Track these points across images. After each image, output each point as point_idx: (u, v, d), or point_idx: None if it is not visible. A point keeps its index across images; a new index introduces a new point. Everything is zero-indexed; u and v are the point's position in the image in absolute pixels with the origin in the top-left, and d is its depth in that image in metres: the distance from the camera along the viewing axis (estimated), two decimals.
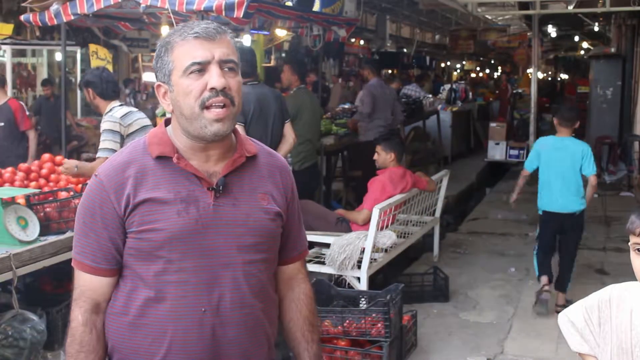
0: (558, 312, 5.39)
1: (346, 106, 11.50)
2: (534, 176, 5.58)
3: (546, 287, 5.28)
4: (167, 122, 1.88)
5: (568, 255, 5.38)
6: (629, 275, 2.10)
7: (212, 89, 1.73)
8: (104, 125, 4.51)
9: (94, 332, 1.79)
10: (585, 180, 5.35)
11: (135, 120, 4.60)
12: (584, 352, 2.11)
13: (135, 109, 4.84)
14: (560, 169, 5.27)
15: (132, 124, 4.56)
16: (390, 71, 19.42)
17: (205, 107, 1.74)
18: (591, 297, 2.11)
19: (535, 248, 5.55)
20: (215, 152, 1.82)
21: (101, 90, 4.64)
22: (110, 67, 7.20)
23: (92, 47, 7.45)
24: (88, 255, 1.80)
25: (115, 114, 4.55)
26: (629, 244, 1.97)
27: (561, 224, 5.33)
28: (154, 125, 7.06)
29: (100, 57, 7.23)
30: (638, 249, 1.91)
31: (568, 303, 5.10)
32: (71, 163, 4.62)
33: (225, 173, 1.81)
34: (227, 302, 1.77)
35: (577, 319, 2.11)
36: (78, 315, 1.79)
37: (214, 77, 1.73)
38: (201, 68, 1.74)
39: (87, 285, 1.80)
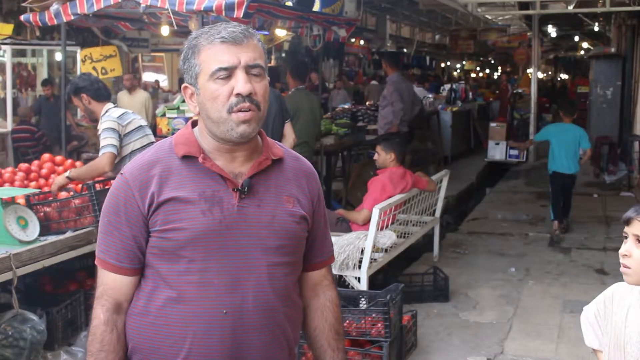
0: (556, 235, 7.63)
1: (346, 106, 11.51)
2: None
3: (557, 232, 7.66)
4: (194, 124, 1.88)
5: (568, 199, 7.96)
6: None
7: (237, 94, 1.73)
8: (103, 125, 4.50)
9: (115, 332, 1.79)
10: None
11: (131, 120, 4.62)
12: (595, 348, 2.16)
13: (129, 110, 4.83)
14: (565, 144, 7.59)
15: (129, 124, 4.57)
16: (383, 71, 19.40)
17: (232, 112, 1.74)
18: (602, 293, 2.17)
19: (550, 199, 8.00)
20: (242, 154, 1.81)
21: (94, 92, 4.61)
22: (115, 63, 7.17)
23: (85, 51, 7.37)
24: (112, 254, 1.79)
25: (113, 114, 4.55)
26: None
27: (564, 180, 7.71)
28: (153, 125, 7.05)
29: (96, 59, 7.16)
30: (624, 237, 2.07)
31: (567, 228, 7.94)
32: (59, 179, 4.48)
33: (250, 174, 1.80)
34: (250, 305, 1.76)
35: (590, 314, 2.17)
36: (100, 314, 1.79)
37: (240, 83, 1.73)
38: (228, 73, 1.74)
39: (110, 284, 1.80)
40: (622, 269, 2.04)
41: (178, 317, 1.75)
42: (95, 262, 1.84)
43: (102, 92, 4.66)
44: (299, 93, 6.85)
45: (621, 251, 2.05)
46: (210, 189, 1.76)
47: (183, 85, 1.84)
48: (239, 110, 1.74)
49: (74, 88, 4.67)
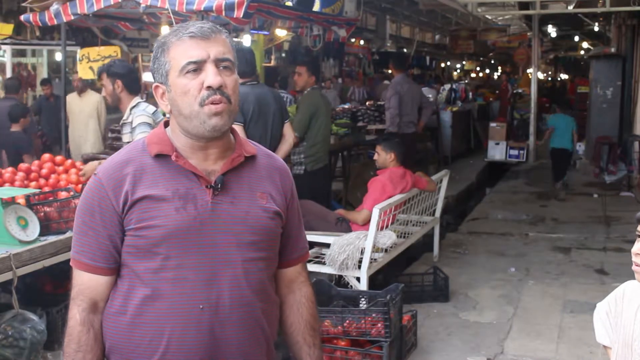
0: (557, 193, 10.51)
1: (346, 106, 11.51)
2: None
3: (559, 187, 10.57)
4: (166, 125, 1.90)
5: (564, 168, 10.77)
6: (629, 276, 2.12)
7: (208, 87, 1.75)
8: (140, 119, 4.41)
9: (92, 332, 1.80)
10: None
11: (160, 120, 4.57)
12: (606, 344, 2.17)
13: (158, 109, 4.76)
14: (563, 127, 10.47)
15: (159, 123, 4.52)
16: (390, 71, 19.39)
17: (203, 105, 1.75)
18: (614, 291, 2.18)
19: (552, 168, 10.90)
20: (214, 151, 1.83)
21: (129, 83, 4.52)
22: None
23: (84, 51, 7.33)
24: (87, 254, 1.80)
25: (148, 109, 4.47)
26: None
27: (560, 155, 10.53)
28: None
29: (93, 59, 7.10)
30: (637, 235, 2.06)
31: (563, 186, 10.66)
32: (91, 167, 4.54)
33: (223, 171, 1.82)
34: (226, 300, 1.77)
35: (602, 312, 2.18)
36: (76, 314, 1.80)
37: (210, 76, 1.75)
38: (197, 67, 1.75)
39: (86, 284, 1.81)
40: (634, 267, 2.04)
41: (155, 315, 1.76)
42: (70, 263, 1.84)
43: (135, 85, 4.59)
44: (315, 92, 6.73)
45: (634, 250, 2.04)
46: (184, 187, 1.78)
47: (154, 85, 1.85)
48: (211, 103, 1.75)
49: (112, 70, 4.55)
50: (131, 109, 4.49)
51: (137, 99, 4.53)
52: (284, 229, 1.94)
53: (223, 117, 1.77)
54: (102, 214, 1.78)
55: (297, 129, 6.38)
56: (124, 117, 4.55)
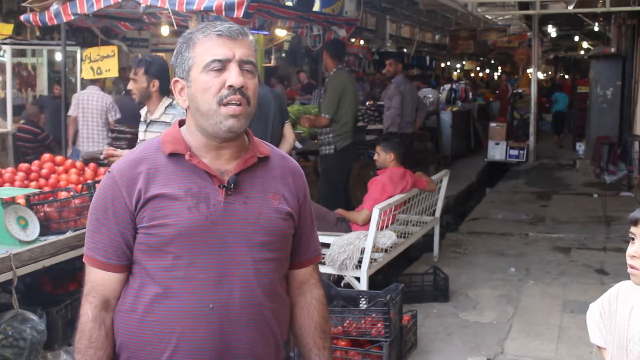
0: (556, 144, 17.17)
1: None
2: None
3: (557, 140, 16.93)
4: (181, 123, 1.90)
5: (562, 124, 17.45)
6: (629, 276, 2.11)
7: (230, 86, 1.76)
8: (168, 118, 4.37)
9: (103, 329, 1.81)
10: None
11: None
12: (600, 345, 2.16)
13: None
14: (560, 99, 17.72)
15: None
16: (385, 72, 19.33)
17: (222, 104, 1.76)
18: (608, 291, 2.17)
19: (553, 125, 17.93)
20: (228, 151, 1.84)
21: (164, 85, 4.45)
22: (111, 63, 7.12)
23: (87, 51, 7.34)
24: (100, 251, 1.81)
25: (178, 111, 4.41)
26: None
27: (560, 115, 17.44)
28: None
29: (93, 59, 7.10)
30: (631, 237, 2.04)
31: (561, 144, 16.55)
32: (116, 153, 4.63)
33: (237, 171, 1.82)
34: (237, 300, 1.77)
35: (595, 312, 2.17)
36: (88, 310, 1.81)
37: (233, 76, 1.76)
38: (221, 66, 1.77)
39: (98, 281, 1.82)
40: (629, 270, 2.01)
41: (165, 313, 1.76)
42: (84, 260, 1.85)
43: (167, 87, 4.48)
44: (342, 73, 6.78)
45: (629, 252, 2.01)
46: (197, 186, 1.79)
47: (174, 80, 1.86)
48: (229, 103, 1.76)
49: (152, 71, 4.44)
50: (166, 108, 4.44)
51: (167, 101, 4.48)
52: (296, 230, 1.94)
53: (240, 120, 1.78)
54: (114, 211, 1.79)
55: (326, 111, 6.58)
56: (155, 116, 4.48)
